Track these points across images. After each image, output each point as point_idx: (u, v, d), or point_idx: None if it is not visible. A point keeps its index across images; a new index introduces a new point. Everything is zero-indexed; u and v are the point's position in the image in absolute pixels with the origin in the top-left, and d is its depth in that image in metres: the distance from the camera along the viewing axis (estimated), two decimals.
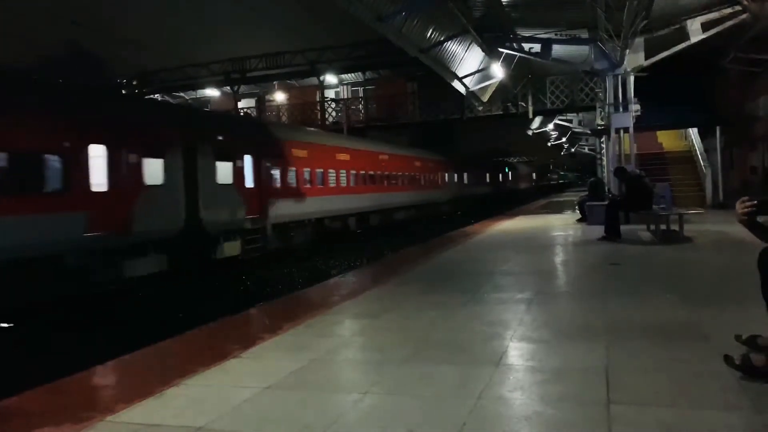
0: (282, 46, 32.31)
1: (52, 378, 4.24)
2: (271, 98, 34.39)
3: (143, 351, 5.00)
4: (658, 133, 25.39)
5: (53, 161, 10.67)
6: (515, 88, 27.04)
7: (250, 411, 3.50)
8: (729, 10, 15.35)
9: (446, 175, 34.18)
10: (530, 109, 27.68)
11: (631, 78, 16.30)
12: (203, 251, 14.22)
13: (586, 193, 19.63)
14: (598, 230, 12.41)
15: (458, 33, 17.79)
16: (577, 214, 18.09)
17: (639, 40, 15.78)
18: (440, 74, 19.71)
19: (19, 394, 3.92)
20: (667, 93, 19.56)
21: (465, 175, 38.20)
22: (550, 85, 27.54)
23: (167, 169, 13.08)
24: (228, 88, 32.75)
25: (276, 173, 17.57)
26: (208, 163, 14.40)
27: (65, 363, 5.41)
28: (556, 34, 17.44)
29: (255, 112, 34.20)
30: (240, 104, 33.73)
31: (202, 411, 3.50)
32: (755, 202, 3.43)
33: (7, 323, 9.57)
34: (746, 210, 3.44)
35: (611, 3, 12.95)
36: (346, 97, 33.19)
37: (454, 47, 18.74)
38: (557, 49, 17.88)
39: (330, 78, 31.44)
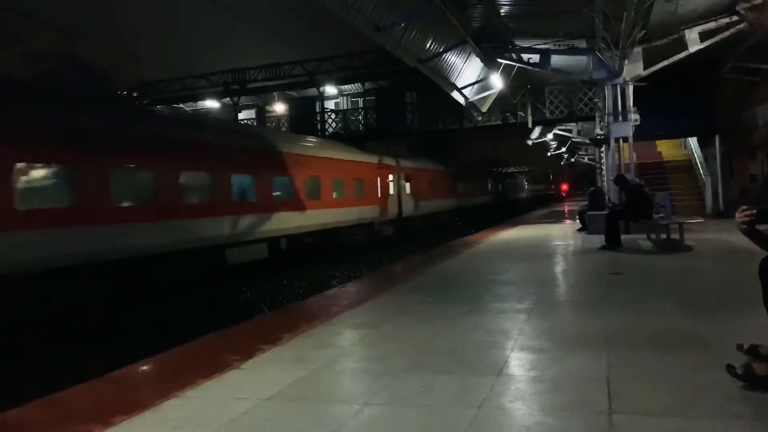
0: (281, 57, 32.39)
1: (52, 390, 4.22)
2: (271, 109, 34.45)
3: (142, 362, 4.98)
4: (658, 142, 25.45)
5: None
6: (514, 98, 27.10)
7: (249, 423, 3.49)
8: (727, 20, 15.40)
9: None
10: (529, 119, 27.70)
11: (630, 87, 16.33)
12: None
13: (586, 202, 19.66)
14: (599, 239, 12.41)
15: (457, 43, 17.84)
16: (578, 224, 18.10)
17: (637, 50, 15.82)
18: (439, 85, 19.76)
19: (19, 406, 3.90)
20: (666, 102, 19.61)
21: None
22: (549, 95, 27.58)
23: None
24: (228, 99, 32.82)
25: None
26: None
27: (64, 375, 5.39)
28: (554, 44, 17.50)
29: (255, 123, 34.23)
30: (240, 115, 33.79)
31: (201, 423, 3.49)
32: (755, 210, 3.43)
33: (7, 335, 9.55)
34: (746, 218, 3.44)
35: (609, 13, 12.98)
36: (345, 107, 33.28)
37: (452, 58, 18.79)
38: (556, 59, 17.93)
39: (330, 89, 31.53)
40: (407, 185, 28.57)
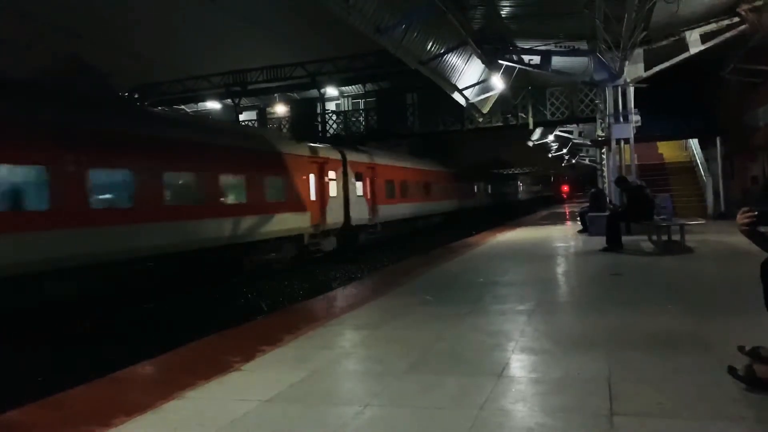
0: (282, 59, 32.36)
1: (52, 390, 4.22)
2: (272, 110, 34.49)
3: (143, 364, 4.98)
4: (659, 143, 25.44)
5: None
6: (515, 99, 27.12)
7: (250, 424, 3.48)
8: (727, 21, 15.42)
9: None
10: (530, 120, 27.73)
11: (631, 89, 16.34)
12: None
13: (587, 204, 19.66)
14: (600, 241, 12.40)
15: (458, 45, 17.86)
16: (579, 225, 18.09)
17: (638, 51, 15.82)
18: (440, 86, 19.78)
19: (20, 407, 3.90)
20: (667, 103, 19.62)
21: None
22: (550, 97, 27.61)
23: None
24: (229, 100, 32.86)
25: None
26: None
27: (64, 375, 5.39)
28: (555, 46, 17.51)
29: (256, 125, 34.27)
30: (241, 117, 33.82)
31: (202, 424, 3.48)
32: (756, 212, 3.43)
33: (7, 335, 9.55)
34: (747, 220, 3.44)
35: (610, 14, 12.99)
36: (346, 109, 33.33)
37: (453, 59, 18.81)
38: (557, 61, 17.94)
39: (331, 90, 31.57)
40: (359, 185, 23.07)
